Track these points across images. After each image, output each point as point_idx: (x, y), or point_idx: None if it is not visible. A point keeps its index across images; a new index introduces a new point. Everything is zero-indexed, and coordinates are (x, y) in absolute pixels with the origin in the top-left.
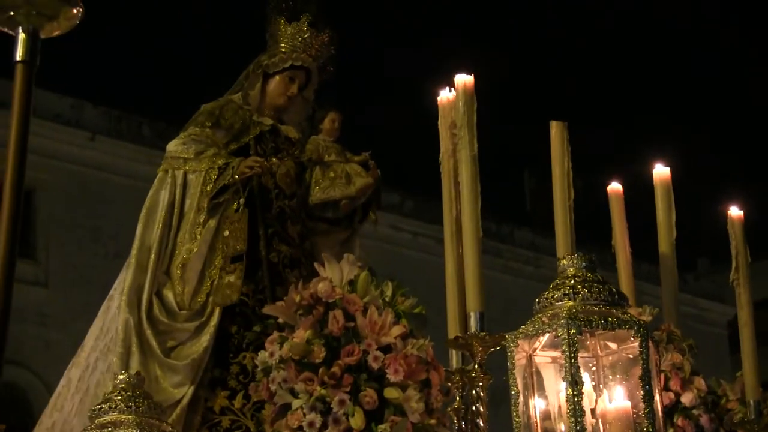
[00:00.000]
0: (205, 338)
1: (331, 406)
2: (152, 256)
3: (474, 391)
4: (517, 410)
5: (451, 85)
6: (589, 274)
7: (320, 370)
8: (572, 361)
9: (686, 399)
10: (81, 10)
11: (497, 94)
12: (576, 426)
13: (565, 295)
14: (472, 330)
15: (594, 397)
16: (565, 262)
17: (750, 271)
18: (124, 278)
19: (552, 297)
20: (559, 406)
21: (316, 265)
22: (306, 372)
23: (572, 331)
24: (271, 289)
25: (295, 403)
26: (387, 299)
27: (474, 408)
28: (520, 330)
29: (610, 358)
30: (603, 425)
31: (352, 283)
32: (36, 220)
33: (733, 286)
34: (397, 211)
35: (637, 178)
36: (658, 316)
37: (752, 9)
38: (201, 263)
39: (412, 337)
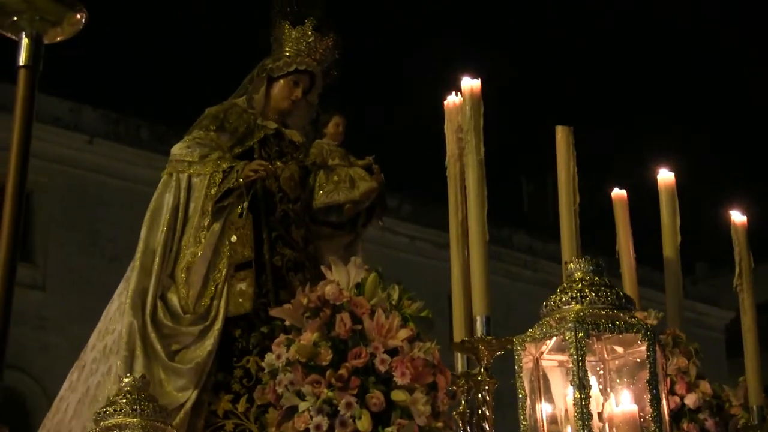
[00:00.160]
0: (209, 342)
1: (338, 408)
2: (156, 259)
3: (480, 395)
4: (524, 414)
5: (451, 88)
6: (597, 278)
7: (327, 373)
8: (580, 364)
9: (689, 400)
10: (85, 15)
11: (496, 98)
12: (583, 430)
13: (572, 298)
14: (479, 334)
15: (601, 401)
16: (572, 266)
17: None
18: (128, 281)
19: (559, 300)
20: (566, 410)
21: (323, 268)
22: (313, 374)
23: (580, 334)
24: (275, 293)
25: (302, 406)
26: (394, 302)
27: (480, 412)
28: (528, 333)
29: (617, 361)
30: (610, 429)
31: (359, 286)
32: (34, 223)
33: (737, 292)
34: (394, 215)
35: (633, 182)
36: (661, 320)
37: (754, 9)
38: (205, 267)
39: (419, 340)
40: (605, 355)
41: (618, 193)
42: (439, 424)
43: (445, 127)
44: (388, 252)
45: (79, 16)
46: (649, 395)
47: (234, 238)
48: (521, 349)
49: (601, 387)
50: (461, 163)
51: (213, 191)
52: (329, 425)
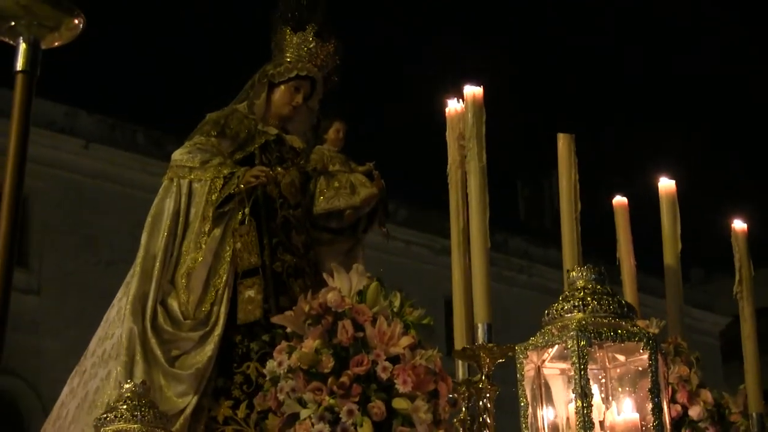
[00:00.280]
0: (210, 348)
1: (340, 416)
2: (157, 264)
3: (481, 403)
4: (526, 422)
5: (446, 94)
6: (599, 287)
7: (329, 380)
8: (582, 373)
9: (694, 413)
10: (83, 20)
11: (491, 102)
12: None
13: (574, 307)
14: (480, 341)
15: (603, 409)
16: (574, 274)
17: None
18: (128, 287)
19: (561, 309)
20: (568, 418)
21: (324, 275)
22: (314, 382)
23: (582, 343)
24: (276, 299)
25: (304, 413)
26: (395, 310)
27: (481, 419)
28: (530, 341)
29: (619, 370)
30: None
31: (361, 293)
32: (29, 227)
33: (736, 299)
34: (390, 220)
35: (629, 188)
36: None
37: (754, 12)
38: (206, 272)
39: (421, 347)
40: (607, 364)
41: (619, 200)
42: None
43: (447, 134)
44: (383, 257)
45: (77, 22)
46: (650, 404)
47: (239, 245)
48: (523, 357)
49: (602, 395)
50: (463, 170)
51: (214, 197)
52: None
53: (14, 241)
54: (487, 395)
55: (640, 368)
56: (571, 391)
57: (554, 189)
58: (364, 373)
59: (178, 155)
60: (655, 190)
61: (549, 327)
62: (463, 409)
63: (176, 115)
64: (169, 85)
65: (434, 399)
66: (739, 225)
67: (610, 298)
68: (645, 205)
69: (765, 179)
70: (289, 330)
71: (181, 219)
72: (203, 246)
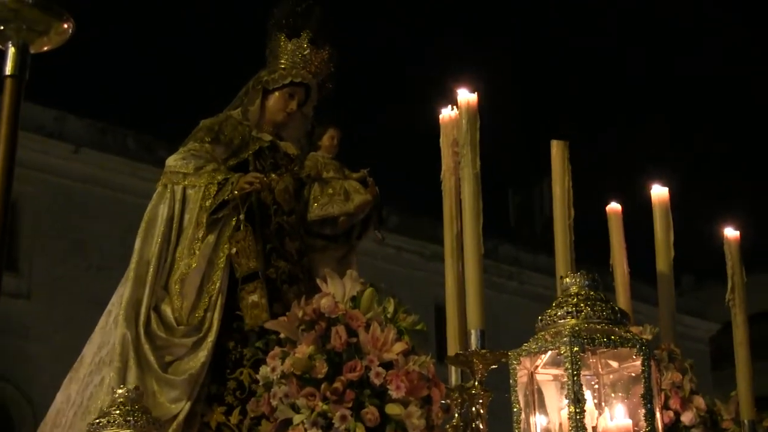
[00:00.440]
0: (203, 354)
1: (333, 421)
2: (151, 270)
3: (474, 409)
4: (519, 428)
5: (438, 101)
6: (592, 293)
7: (322, 386)
8: (575, 378)
9: (686, 418)
10: (72, 25)
11: (483, 111)
12: None
13: (568, 313)
14: (473, 347)
15: (596, 415)
16: (568, 280)
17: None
18: (122, 292)
19: (555, 315)
20: (561, 424)
21: (318, 280)
22: (308, 387)
23: (575, 348)
24: (269, 305)
25: (297, 419)
26: (389, 316)
27: (474, 425)
28: (523, 347)
29: (612, 376)
30: None
31: (354, 299)
32: (19, 232)
33: (729, 306)
34: (381, 226)
35: (622, 195)
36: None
37: (754, 15)
38: (200, 278)
39: (414, 353)
40: (600, 370)
41: (612, 207)
42: None
43: (441, 140)
44: (375, 263)
45: (66, 26)
46: (643, 410)
47: (234, 251)
48: (516, 363)
49: (595, 401)
50: (456, 177)
51: (208, 203)
52: None
53: (3, 245)
54: (480, 401)
55: (633, 374)
56: (564, 397)
57: (545, 196)
58: (358, 379)
59: (172, 161)
60: (648, 197)
61: (542, 333)
62: (456, 415)
63: (167, 119)
64: (159, 90)
65: (427, 405)
66: (731, 233)
67: (604, 304)
68: (638, 212)
69: (756, 186)
70: (282, 336)
71: (174, 225)
72: (197, 252)
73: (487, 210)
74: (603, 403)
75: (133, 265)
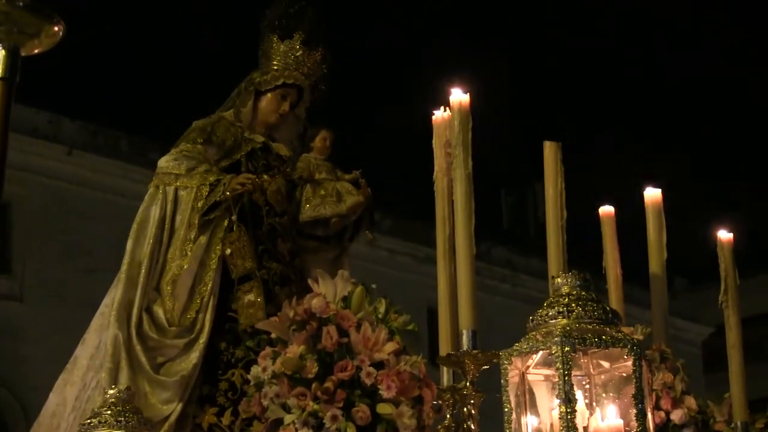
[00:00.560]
0: (195, 355)
1: (324, 421)
2: (143, 271)
3: (465, 409)
4: (510, 428)
5: (433, 103)
6: (584, 293)
7: (313, 386)
8: (566, 378)
9: (675, 416)
10: (62, 27)
11: (478, 112)
12: None
13: (559, 313)
14: (465, 348)
15: (587, 415)
16: (559, 280)
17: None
18: (114, 294)
19: (546, 315)
20: (552, 424)
21: (309, 281)
22: (299, 387)
23: (566, 348)
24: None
25: (288, 419)
26: (380, 316)
27: (465, 426)
28: (514, 347)
29: (603, 376)
30: None
31: (345, 299)
32: (12, 234)
33: (722, 308)
34: (375, 229)
35: (616, 198)
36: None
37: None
38: (191, 280)
39: (405, 353)
40: (591, 370)
41: (606, 209)
42: None
43: (433, 141)
44: (368, 266)
45: (56, 29)
46: (634, 410)
47: (229, 252)
48: (507, 363)
49: (586, 401)
50: (449, 178)
51: (200, 204)
52: None
53: None
54: (472, 402)
55: (625, 374)
56: (555, 397)
57: (538, 198)
58: (349, 379)
59: (164, 162)
60: (641, 201)
61: (533, 333)
62: (448, 415)
63: (160, 122)
64: (152, 92)
65: (418, 405)
66: (724, 235)
67: (595, 305)
68: (631, 216)
69: (750, 190)
70: (273, 336)
71: (166, 226)
72: (189, 253)
73: (481, 212)
74: (594, 403)
75: (124, 266)
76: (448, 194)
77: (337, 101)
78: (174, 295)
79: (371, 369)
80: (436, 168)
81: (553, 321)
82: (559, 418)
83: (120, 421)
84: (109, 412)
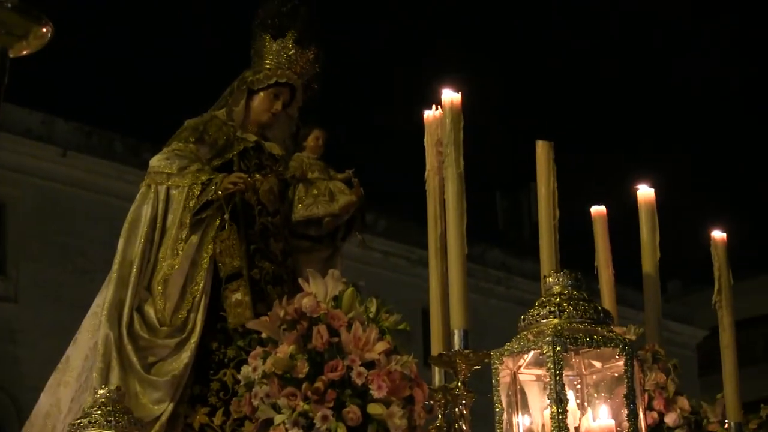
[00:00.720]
0: (186, 355)
1: (314, 421)
2: (134, 270)
3: (457, 409)
4: (501, 428)
5: (428, 104)
6: (575, 292)
7: (303, 386)
8: (557, 378)
9: (669, 419)
10: (51, 29)
11: (473, 114)
12: None
13: (550, 312)
14: (456, 347)
15: (578, 416)
16: (551, 279)
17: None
18: (105, 294)
19: (537, 314)
20: (543, 425)
21: (300, 280)
22: (289, 387)
23: (557, 348)
24: (253, 306)
25: (278, 419)
26: (371, 315)
27: (457, 426)
28: (506, 347)
29: (595, 376)
30: None
31: (336, 298)
32: (6, 235)
33: (715, 308)
34: (369, 230)
35: (608, 199)
36: (637, 336)
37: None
38: (183, 279)
39: (396, 353)
40: (583, 370)
41: (597, 210)
42: None
43: (425, 140)
44: (362, 267)
45: (45, 30)
46: (626, 410)
47: (218, 251)
48: (499, 363)
49: (578, 401)
50: (440, 177)
51: (191, 203)
52: None
53: None
54: (463, 402)
55: (616, 374)
56: (546, 397)
57: (533, 201)
58: (339, 379)
59: (155, 161)
60: (634, 201)
61: (525, 332)
62: (440, 416)
63: (154, 123)
64: (146, 93)
65: (409, 405)
66: (718, 234)
67: (587, 304)
68: (625, 219)
69: (745, 194)
70: (264, 335)
71: (158, 225)
72: (180, 253)
73: (476, 214)
74: (586, 404)
75: (115, 266)
76: (439, 193)
77: (330, 100)
78: (165, 294)
79: (362, 369)
80: (427, 167)
81: (545, 320)
82: (551, 419)
83: (110, 421)
84: (99, 412)
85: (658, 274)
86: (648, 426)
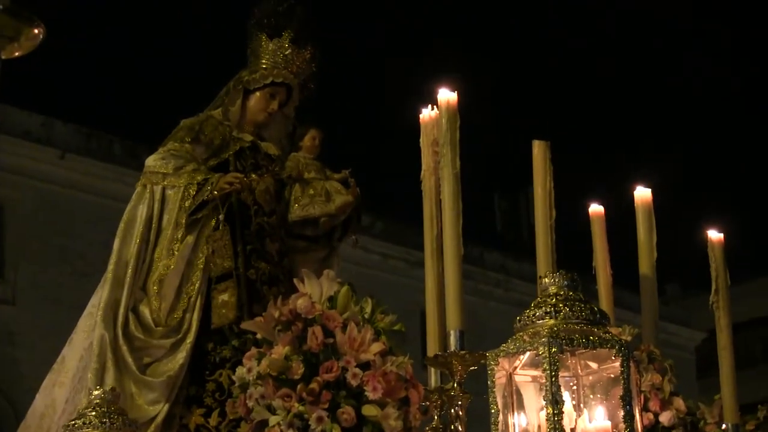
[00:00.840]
0: (181, 355)
1: (309, 423)
2: (129, 271)
3: (453, 410)
4: (497, 430)
5: (425, 104)
6: (571, 293)
7: (298, 387)
8: (553, 379)
9: (664, 418)
10: (42, 30)
11: (469, 114)
12: None
13: (546, 313)
14: (452, 348)
15: (574, 417)
16: (547, 280)
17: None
18: (101, 294)
19: (533, 315)
20: (539, 426)
21: (295, 280)
22: (284, 388)
23: (553, 349)
24: (249, 306)
25: (273, 420)
26: (366, 316)
27: (453, 427)
28: (501, 348)
29: (591, 377)
30: None
31: (331, 299)
32: (4, 237)
33: (713, 309)
34: (367, 233)
35: (607, 200)
36: (634, 337)
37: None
38: (178, 279)
39: (392, 354)
40: (579, 371)
41: (595, 209)
42: None
43: (421, 140)
44: (360, 269)
45: (36, 31)
46: (622, 411)
47: (210, 251)
48: (494, 364)
49: (574, 403)
50: (436, 177)
51: (187, 203)
52: None
53: None
54: (459, 403)
55: (612, 375)
56: (542, 398)
57: (532, 202)
58: (334, 380)
59: (151, 161)
60: (632, 202)
61: (521, 333)
62: (436, 417)
63: (153, 125)
64: (146, 96)
65: (405, 406)
66: (715, 235)
67: (583, 305)
68: (623, 222)
69: (744, 194)
70: (259, 336)
71: (153, 225)
72: (176, 253)
73: (474, 216)
74: (582, 405)
75: (111, 266)
76: (435, 194)
77: (326, 100)
78: (161, 294)
79: (357, 370)
80: (423, 167)
81: (541, 321)
82: (546, 420)
83: (104, 422)
84: (93, 413)
85: (654, 274)
86: (644, 427)
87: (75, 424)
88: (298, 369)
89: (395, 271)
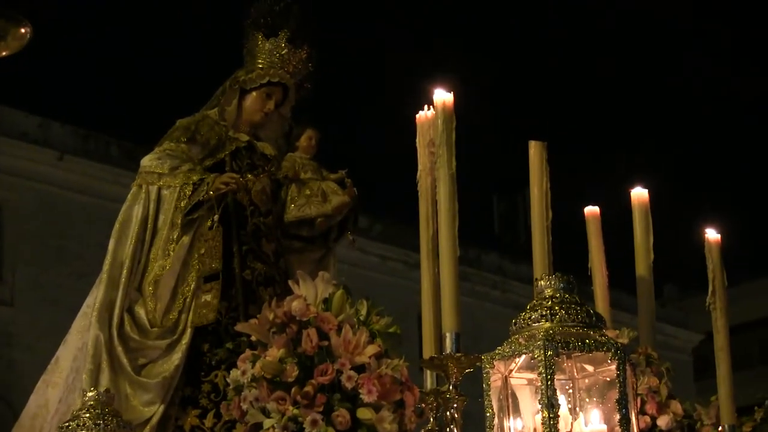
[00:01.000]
0: (177, 356)
1: (304, 426)
2: (124, 271)
3: (448, 413)
4: None
5: (422, 105)
6: (567, 296)
7: (293, 390)
8: (549, 383)
9: (662, 422)
10: (30, 30)
11: (469, 118)
12: None
13: (542, 316)
14: (448, 351)
15: (570, 420)
16: (542, 282)
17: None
18: (96, 294)
19: (529, 318)
20: (535, 429)
21: (290, 282)
22: (278, 391)
23: (549, 352)
24: (245, 307)
25: (267, 423)
26: (362, 318)
27: (448, 430)
28: (497, 351)
29: (587, 380)
30: None
31: (326, 301)
32: (2, 239)
33: (709, 310)
34: (365, 235)
35: (603, 201)
36: (631, 339)
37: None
38: (174, 280)
39: (387, 356)
40: (575, 374)
41: (591, 210)
42: None
43: (417, 141)
44: (358, 271)
45: (23, 31)
46: (618, 415)
47: (202, 251)
48: (490, 366)
49: (570, 406)
50: (432, 178)
51: (183, 204)
52: None
53: None
54: (455, 405)
55: (609, 379)
56: (538, 401)
57: (529, 204)
58: (329, 383)
59: (147, 161)
60: (629, 203)
61: (516, 336)
62: (431, 419)
63: (150, 126)
64: (143, 97)
65: (400, 409)
66: (712, 235)
67: (579, 308)
68: (619, 223)
69: (743, 196)
70: (253, 338)
71: (149, 226)
72: (171, 253)
73: (472, 218)
74: (578, 408)
75: (106, 266)
76: (431, 194)
77: (323, 100)
78: (156, 295)
79: (352, 372)
80: (419, 167)
81: (536, 324)
82: (542, 423)
83: (99, 424)
84: (87, 414)
85: (651, 276)
86: (641, 431)
87: (69, 425)
88: (293, 372)
89: (394, 273)
